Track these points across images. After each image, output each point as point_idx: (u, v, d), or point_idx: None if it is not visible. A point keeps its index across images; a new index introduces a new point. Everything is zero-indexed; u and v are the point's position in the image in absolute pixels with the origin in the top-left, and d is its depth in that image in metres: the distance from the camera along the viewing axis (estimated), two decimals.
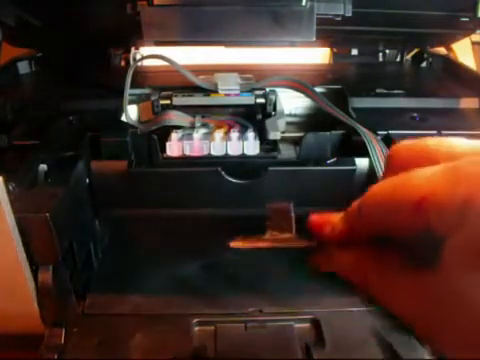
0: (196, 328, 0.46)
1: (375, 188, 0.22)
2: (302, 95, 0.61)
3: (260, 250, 0.32)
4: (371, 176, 0.50)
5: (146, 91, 0.63)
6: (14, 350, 0.43)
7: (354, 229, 0.24)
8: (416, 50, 0.79)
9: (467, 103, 0.61)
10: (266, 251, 0.60)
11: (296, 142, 0.59)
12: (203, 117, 0.60)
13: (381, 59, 0.79)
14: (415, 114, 0.57)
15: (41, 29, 0.65)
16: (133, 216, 0.57)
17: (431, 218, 0.19)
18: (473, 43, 0.83)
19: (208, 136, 0.55)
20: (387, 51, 0.78)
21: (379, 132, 0.52)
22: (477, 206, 0.17)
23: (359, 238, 0.24)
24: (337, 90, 0.64)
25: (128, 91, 0.57)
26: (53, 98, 0.62)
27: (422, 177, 0.19)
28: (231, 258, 0.58)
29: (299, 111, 0.66)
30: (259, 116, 0.60)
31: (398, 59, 0.79)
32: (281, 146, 0.57)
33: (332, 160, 0.53)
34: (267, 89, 0.61)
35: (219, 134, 0.55)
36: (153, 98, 0.60)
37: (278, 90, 0.61)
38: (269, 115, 0.59)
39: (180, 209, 0.55)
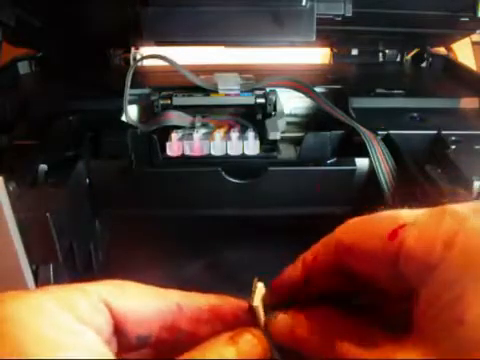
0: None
1: (351, 220, 0.21)
2: (302, 95, 0.61)
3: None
4: (371, 176, 0.50)
5: (146, 91, 0.63)
6: None
7: (322, 260, 0.21)
8: (416, 50, 0.79)
9: (467, 103, 0.61)
10: (266, 249, 0.60)
11: (296, 142, 0.59)
12: (203, 117, 0.60)
13: (381, 59, 0.79)
14: (415, 114, 0.57)
15: (41, 29, 0.65)
16: (133, 216, 0.57)
17: (405, 249, 0.17)
18: (473, 43, 0.83)
19: (208, 136, 0.55)
20: (387, 51, 0.78)
21: (379, 132, 0.52)
22: (460, 243, 0.16)
23: (324, 279, 0.21)
24: (337, 90, 0.64)
25: (128, 91, 0.57)
26: (53, 98, 0.62)
27: (405, 210, 0.19)
28: (231, 258, 0.58)
29: (299, 111, 0.66)
30: (259, 116, 0.60)
31: (398, 59, 0.79)
32: (281, 146, 0.57)
33: (332, 160, 0.53)
34: (267, 89, 0.61)
35: (219, 134, 0.55)
36: (153, 98, 0.60)
37: (278, 90, 0.61)
38: (269, 115, 0.59)
39: (180, 209, 0.55)
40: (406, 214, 0.19)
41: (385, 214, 0.19)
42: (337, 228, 0.21)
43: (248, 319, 0.22)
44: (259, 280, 0.23)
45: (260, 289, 0.23)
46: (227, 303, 0.22)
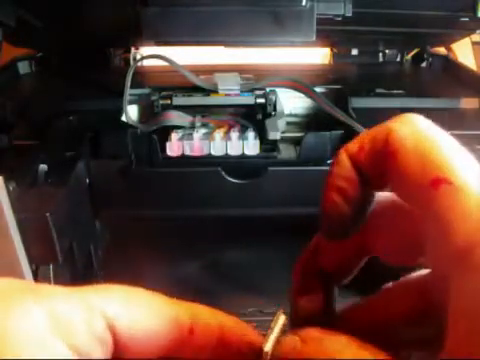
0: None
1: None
2: (302, 95, 0.61)
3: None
4: None
5: (146, 91, 0.63)
6: None
7: (368, 154, 0.18)
8: (416, 50, 0.79)
9: (467, 103, 0.61)
10: (266, 249, 0.60)
11: (296, 142, 0.59)
12: (203, 117, 0.60)
13: (381, 59, 0.79)
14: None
15: (41, 29, 0.65)
16: (133, 216, 0.57)
17: (444, 208, 0.14)
18: (473, 43, 0.83)
19: (208, 136, 0.56)
20: (387, 51, 0.78)
21: None
22: None
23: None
24: (337, 90, 0.64)
25: (128, 91, 0.57)
26: (53, 98, 0.62)
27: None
28: (231, 258, 0.58)
29: (299, 111, 0.66)
30: (259, 116, 0.60)
31: (398, 59, 0.79)
32: (281, 146, 0.57)
33: (332, 160, 0.53)
34: (267, 89, 0.61)
35: (219, 134, 0.55)
36: (153, 98, 0.60)
37: (278, 90, 0.61)
38: (269, 115, 0.59)
39: (180, 209, 0.55)
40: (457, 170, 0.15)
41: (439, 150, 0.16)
42: (390, 121, 0.18)
43: (254, 357, 0.18)
44: (284, 312, 0.19)
45: (280, 325, 0.19)
46: (241, 333, 0.19)
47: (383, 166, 0.17)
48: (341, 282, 0.20)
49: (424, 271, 0.18)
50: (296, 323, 0.19)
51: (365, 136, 0.18)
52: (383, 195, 0.19)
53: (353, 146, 0.18)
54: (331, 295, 0.20)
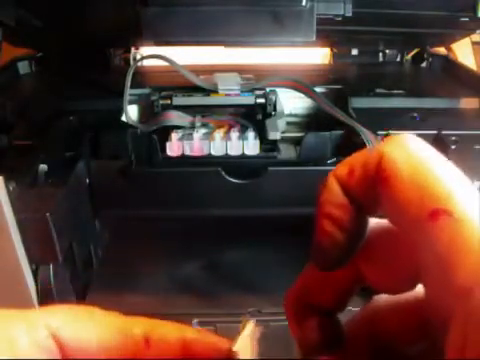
0: (196, 328, 0.46)
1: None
2: (302, 95, 0.61)
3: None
4: None
5: (146, 91, 0.63)
6: None
7: (359, 179, 0.17)
8: (416, 50, 0.79)
9: (467, 103, 0.61)
10: (266, 250, 0.60)
11: (296, 142, 0.59)
12: (203, 117, 0.60)
13: (381, 59, 0.79)
14: (415, 114, 0.57)
15: (41, 29, 0.65)
16: (133, 216, 0.57)
17: (444, 242, 0.14)
18: (473, 43, 0.83)
19: (208, 136, 0.56)
20: (387, 51, 0.78)
21: (379, 132, 0.52)
22: None
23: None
24: (337, 90, 0.64)
25: (128, 91, 0.57)
26: (53, 98, 0.62)
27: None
28: (231, 258, 0.58)
29: (299, 111, 0.66)
30: (259, 116, 0.60)
31: (398, 59, 0.79)
32: (281, 146, 0.57)
33: (332, 160, 0.53)
34: (267, 89, 0.61)
35: (219, 134, 0.55)
36: (153, 98, 0.60)
37: (278, 90, 0.61)
38: (269, 115, 0.59)
39: (180, 209, 0.55)
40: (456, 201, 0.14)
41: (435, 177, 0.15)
42: (382, 143, 0.17)
43: None
44: (252, 318, 0.19)
45: (249, 331, 0.19)
46: (205, 341, 0.18)
47: (376, 192, 0.16)
48: (336, 314, 0.19)
49: (419, 290, 0.18)
50: (305, 351, 0.19)
51: (355, 159, 0.17)
52: (375, 221, 0.18)
53: (342, 170, 0.17)
54: (331, 321, 0.19)
